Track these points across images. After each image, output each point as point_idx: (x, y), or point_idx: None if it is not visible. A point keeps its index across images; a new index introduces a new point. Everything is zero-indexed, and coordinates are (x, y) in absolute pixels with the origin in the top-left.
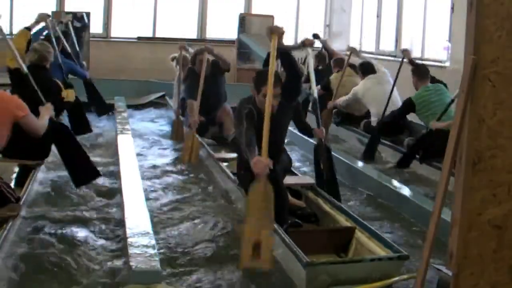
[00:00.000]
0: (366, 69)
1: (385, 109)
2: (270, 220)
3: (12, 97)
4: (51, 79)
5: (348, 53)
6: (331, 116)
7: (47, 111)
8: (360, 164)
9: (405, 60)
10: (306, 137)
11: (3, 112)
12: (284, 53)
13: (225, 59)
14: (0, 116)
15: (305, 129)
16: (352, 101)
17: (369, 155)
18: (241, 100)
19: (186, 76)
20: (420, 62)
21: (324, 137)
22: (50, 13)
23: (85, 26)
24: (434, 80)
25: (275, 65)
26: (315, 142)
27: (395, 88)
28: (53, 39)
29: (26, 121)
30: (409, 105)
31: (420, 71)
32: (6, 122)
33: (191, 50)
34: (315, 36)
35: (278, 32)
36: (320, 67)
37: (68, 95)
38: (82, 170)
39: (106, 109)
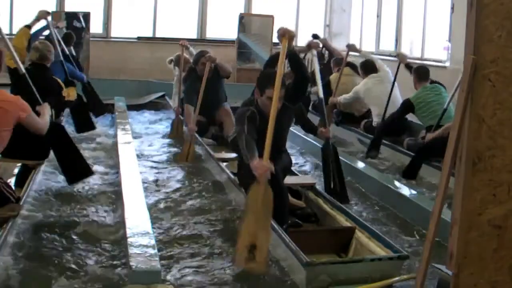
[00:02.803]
0: (368, 68)
1: (386, 109)
2: (268, 223)
3: (15, 98)
4: (52, 78)
5: (345, 52)
6: (332, 115)
7: (45, 109)
8: (360, 164)
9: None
10: (308, 138)
11: (6, 113)
12: (293, 55)
13: (225, 68)
14: (4, 117)
15: (310, 129)
16: (352, 101)
17: (372, 154)
18: (244, 102)
19: (186, 75)
20: (419, 62)
21: (330, 137)
22: (50, 11)
23: (83, 29)
24: (431, 82)
25: (282, 68)
26: (319, 145)
27: (396, 88)
28: (54, 40)
29: (29, 121)
30: (407, 106)
31: (420, 71)
32: (9, 123)
33: (192, 50)
34: (315, 36)
35: (289, 35)
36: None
37: (70, 93)
38: (74, 168)
39: (103, 110)
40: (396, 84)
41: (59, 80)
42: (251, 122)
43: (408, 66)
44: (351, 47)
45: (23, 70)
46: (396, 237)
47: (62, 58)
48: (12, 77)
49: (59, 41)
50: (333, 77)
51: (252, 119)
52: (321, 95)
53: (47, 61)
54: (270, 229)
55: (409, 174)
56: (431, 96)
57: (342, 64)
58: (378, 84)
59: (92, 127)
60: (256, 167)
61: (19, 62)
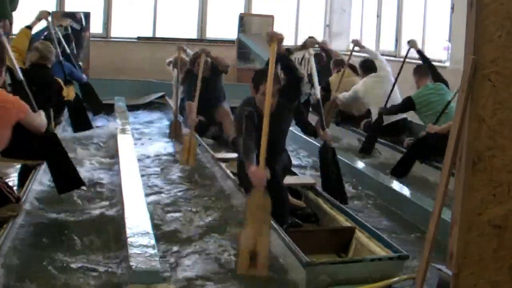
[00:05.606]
0: (367, 67)
1: (385, 107)
2: (267, 228)
3: (14, 98)
4: (52, 78)
5: (351, 48)
6: (332, 112)
7: (39, 117)
8: (360, 164)
9: (412, 49)
10: (308, 138)
11: (7, 112)
12: (283, 58)
13: (221, 61)
14: (4, 116)
15: (309, 130)
16: (351, 99)
17: (367, 150)
18: (242, 101)
19: (184, 78)
20: (419, 62)
21: (329, 139)
22: (50, 11)
23: (83, 29)
24: (439, 79)
25: (274, 69)
26: (319, 144)
27: (396, 88)
28: (54, 39)
29: (28, 121)
30: (409, 103)
31: (421, 70)
32: (10, 122)
33: (189, 51)
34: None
35: (277, 38)
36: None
37: (69, 93)
38: (66, 178)
39: (101, 109)
40: (396, 85)
41: (60, 80)
42: (250, 122)
43: (420, 53)
44: (356, 43)
45: (21, 77)
46: (396, 237)
47: (62, 58)
48: (11, 78)
49: (59, 40)
50: (333, 78)
51: (250, 118)
52: (318, 96)
53: (47, 61)
54: (269, 234)
55: (399, 171)
56: (434, 96)
57: (342, 65)
58: (377, 83)
59: (89, 126)
60: (252, 174)
61: (17, 67)
